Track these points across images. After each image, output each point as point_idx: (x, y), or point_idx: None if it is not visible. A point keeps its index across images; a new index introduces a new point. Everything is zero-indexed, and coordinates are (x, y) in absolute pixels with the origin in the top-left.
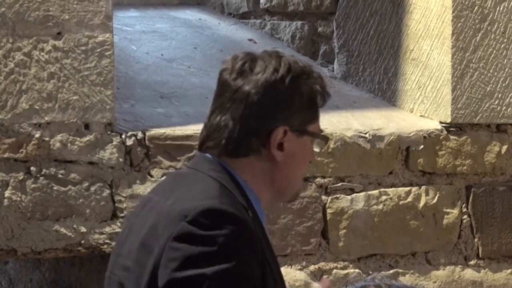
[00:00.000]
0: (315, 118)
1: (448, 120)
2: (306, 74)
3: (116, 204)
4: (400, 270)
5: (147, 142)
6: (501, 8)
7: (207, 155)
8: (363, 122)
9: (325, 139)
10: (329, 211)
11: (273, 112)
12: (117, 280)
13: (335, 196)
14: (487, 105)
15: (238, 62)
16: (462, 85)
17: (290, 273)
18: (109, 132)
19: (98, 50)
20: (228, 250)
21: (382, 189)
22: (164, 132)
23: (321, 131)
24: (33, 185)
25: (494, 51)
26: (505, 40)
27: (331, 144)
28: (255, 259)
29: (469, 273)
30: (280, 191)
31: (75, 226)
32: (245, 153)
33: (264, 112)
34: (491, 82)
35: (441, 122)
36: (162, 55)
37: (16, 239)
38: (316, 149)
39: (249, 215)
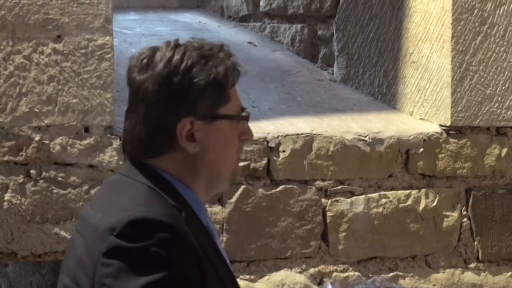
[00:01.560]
0: (225, 100)
1: (448, 123)
2: (204, 58)
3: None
4: (400, 273)
5: None
6: (501, 11)
7: (132, 159)
8: (363, 125)
9: (243, 118)
10: (329, 214)
11: (173, 106)
12: None
13: (335, 199)
14: (487, 108)
15: (140, 58)
16: (462, 88)
17: (290, 276)
18: (108, 135)
19: (98, 53)
20: (159, 259)
21: (382, 192)
22: None
23: (242, 109)
24: (33, 188)
25: (494, 54)
26: (505, 43)
27: (331, 147)
28: (191, 263)
29: (469, 276)
30: (211, 179)
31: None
32: (161, 152)
33: (163, 108)
34: (491, 85)
35: (441, 125)
36: None
37: (16, 242)
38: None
39: (182, 215)
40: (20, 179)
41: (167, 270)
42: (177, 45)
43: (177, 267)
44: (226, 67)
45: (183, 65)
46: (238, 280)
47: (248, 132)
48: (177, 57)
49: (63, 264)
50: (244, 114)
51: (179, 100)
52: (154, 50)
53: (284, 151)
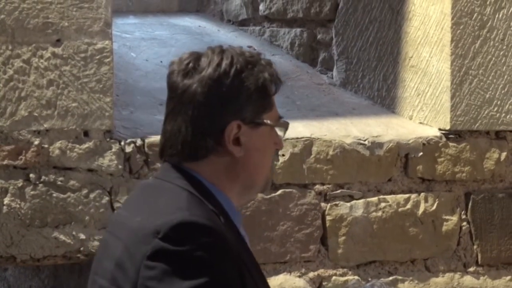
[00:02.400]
0: (268, 107)
1: (447, 127)
2: (251, 64)
3: (115, 211)
4: (399, 277)
5: (146, 149)
6: (500, 15)
7: (170, 163)
8: (362, 129)
9: (284, 125)
10: (328, 218)
11: (222, 109)
12: None
13: (334, 203)
14: (486, 112)
15: (183, 63)
16: (461, 92)
17: (289, 280)
18: (108, 139)
19: (97, 57)
20: (203, 263)
21: (381, 196)
22: None
23: (280, 118)
24: (32, 192)
25: (493, 58)
26: (504, 47)
27: (330, 151)
28: (233, 268)
29: (468, 280)
30: (247, 185)
31: (74, 233)
32: (203, 155)
33: (212, 110)
34: (490, 89)
35: (440, 129)
36: (161, 62)
37: (15, 246)
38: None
39: (221, 221)
40: (20, 183)
41: (211, 274)
42: (223, 50)
43: (220, 272)
44: (271, 74)
45: (233, 69)
46: None
47: (281, 141)
48: (226, 61)
49: (95, 267)
50: (284, 122)
51: (228, 103)
52: (198, 54)
53: (283, 155)
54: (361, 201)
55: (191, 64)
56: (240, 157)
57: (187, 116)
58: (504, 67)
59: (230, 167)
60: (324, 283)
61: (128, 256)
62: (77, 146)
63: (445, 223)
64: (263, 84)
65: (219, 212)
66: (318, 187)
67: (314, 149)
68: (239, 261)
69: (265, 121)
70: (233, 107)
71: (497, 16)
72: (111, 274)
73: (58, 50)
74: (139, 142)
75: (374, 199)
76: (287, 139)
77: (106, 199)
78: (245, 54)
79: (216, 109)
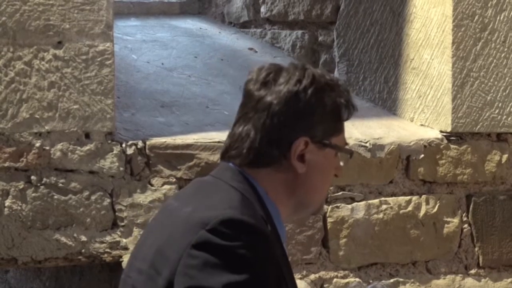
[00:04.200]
0: (338, 131)
1: (449, 129)
2: (330, 86)
3: (117, 213)
4: (401, 279)
5: (147, 151)
6: (502, 18)
7: (230, 164)
8: (364, 131)
9: (349, 152)
10: (329, 220)
11: (295, 123)
12: (131, 283)
13: (335, 205)
14: (487, 114)
15: (263, 73)
16: (463, 94)
17: None
18: (109, 141)
19: (99, 59)
20: (245, 261)
21: (383, 198)
22: (165, 141)
23: (346, 144)
24: (33, 194)
25: (495, 60)
26: (506, 49)
27: None
28: (272, 273)
29: (469, 282)
30: (301, 203)
31: (75, 235)
32: (266, 163)
33: (285, 123)
34: (492, 91)
35: (441, 131)
36: (162, 64)
37: (16, 248)
38: (341, 163)
39: (268, 228)
40: (21, 185)
41: (250, 273)
42: (305, 68)
43: (259, 273)
44: (346, 99)
45: (313, 87)
46: None
47: (340, 169)
48: (307, 79)
49: (135, 252)
50: (349, 149)
51: (302, 119)
52: (279, 67)
53: None
54: (363, 203)
55: (271, 75)
56: (302, 174)
57: (259, 123)
58: (506, 69)
59: (289, 181)
60: (325, 285)
61: (172, 243)
62: (79, 148)
63: (446, 225)
64: (338, 108)
65: (267, 220)
66: None
67: None
68: (279, 269)
69: (333, 143)
70: (305, 124)
71: (498, 18)
72: (151, 259)
73: (60, 52)
74: (140, 144)
75: (376, 201)
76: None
77: (107, 201)
78: (326, 77)
79: (289, 122)
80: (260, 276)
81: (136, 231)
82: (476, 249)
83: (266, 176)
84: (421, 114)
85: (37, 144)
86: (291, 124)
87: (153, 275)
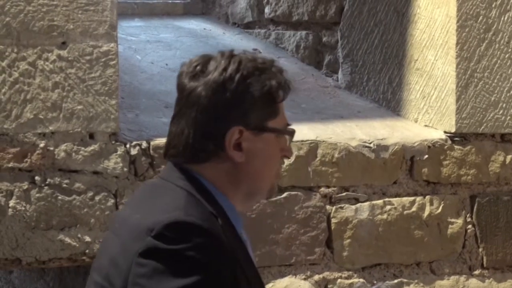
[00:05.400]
0: (274, 113)
1: (453, 130)
2: (260, 70)
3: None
4: (405, 280)
5: (151, 151)
6: (506, 18)
7: (173, 163)
8: (368, 132)
9: (289, 133)
10: (333, 220)
11: (225, 113)
12: None
13: (339, 205)
14: (491, 115)
15: (193, 65)
16: (467, 95)
17: (294, 282)
18: (113, 142)
19: (103, 59)
20: (194, 263)
21: (387, 199)
22: None
23: (287, 125)
24: (37, 195)
25: (499, 61)
26: (510, 50)
27: (336, 154)
28: (225, 270)
29: (473, 283)
30: (250, 191)
31: (79, 235)
32: (206, 158)
33: (215, 114)
34: (496, 92)
35: (445, 132)
36: (166, 64)
37: (20, 249)
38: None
39: (219, 222)
40: (25, 185)
41: (201, 275)
42: (232, 55)
43: (211, 273)
44: (279, 81)
45: (239, 74)
46: None
47: (289, 149)
48: (233, 66)
49: (94, 263)
50: (289, 129)
51: (231, 109)
52: (207, 58)
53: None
54: (367, 203)
55: (199, 67)
56: (242, 162)
57: (190, 118)
58: (510, 70)
59: (231, 172)
60: (329, 286)
61: (122, 252)
62: (83, 148)
63: (450, 226)
64: (268, 91)
65: (218, 214)
66: (323, 189)
67: (320, 151)
68: (234, 264)
69: (269, 127)
70: (236, 113)
71: (502, 19)
72: (106, 270)
73: (64, 53)
74: (144, 144)
75: (380, 202)
76: (292, 142)
77: (111, 201)
78: (256, 61)
79: (219, 113)
80: (212, 275)
81: None
82: (480, 249)
83: (210, 170)
84: (425, 114)
85: (41, 145)
86: (222, 115)
87: (108, 287)
